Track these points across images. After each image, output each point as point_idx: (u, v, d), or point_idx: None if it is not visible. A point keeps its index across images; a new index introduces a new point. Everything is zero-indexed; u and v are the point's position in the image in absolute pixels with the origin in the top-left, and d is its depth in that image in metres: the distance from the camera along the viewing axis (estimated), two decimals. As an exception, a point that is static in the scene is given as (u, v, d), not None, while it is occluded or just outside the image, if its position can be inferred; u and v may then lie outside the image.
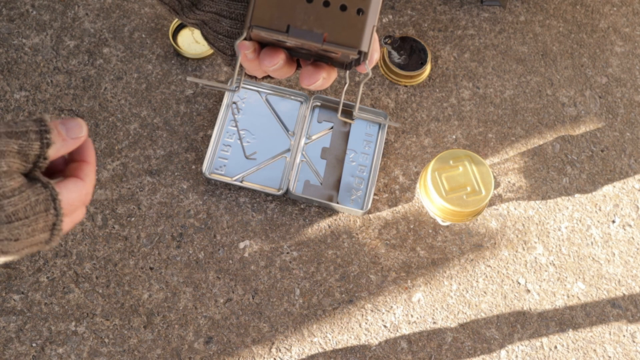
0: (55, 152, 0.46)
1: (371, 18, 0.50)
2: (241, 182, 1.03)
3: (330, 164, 1.06)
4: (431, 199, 0.95)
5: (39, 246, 0.46)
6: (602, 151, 1.12)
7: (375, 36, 0.51)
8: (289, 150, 1.06)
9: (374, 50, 0.52)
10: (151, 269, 0.98)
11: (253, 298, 0.97)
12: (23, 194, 0.44)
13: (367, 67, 0.53)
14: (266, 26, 0.49)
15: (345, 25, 0.50)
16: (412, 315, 0.99)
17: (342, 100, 0.58)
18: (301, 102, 1.09)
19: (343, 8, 0.49)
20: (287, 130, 1.07)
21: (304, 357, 0.95)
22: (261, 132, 1.07)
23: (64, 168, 0.49)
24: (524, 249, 1.04)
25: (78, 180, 0.47)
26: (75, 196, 0.47)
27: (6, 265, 0.96)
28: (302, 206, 1.03)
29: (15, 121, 0.45)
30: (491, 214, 1.06)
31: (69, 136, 0.47)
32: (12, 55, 1.09)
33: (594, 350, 0.99)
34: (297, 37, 0.49)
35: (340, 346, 0.96)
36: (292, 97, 1.09)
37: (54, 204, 0.45)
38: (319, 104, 1.09)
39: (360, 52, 0.50)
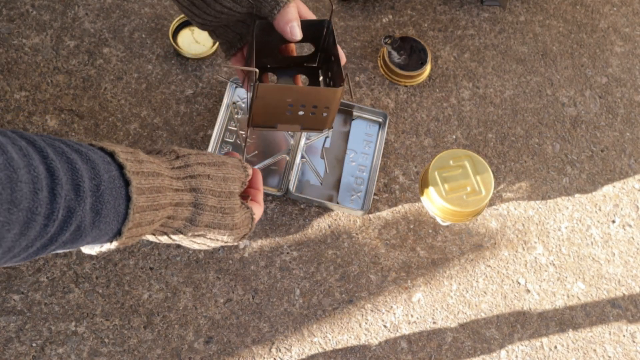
0: (248, 180, 0.72)
1: (333, 113, 0.77)
2: (241, 182, 1.03)
3: (330, 164, 1.06)
4: (431, 199, 0.95)
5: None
6: (602, 151, 1.12)
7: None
8: (289, 150, 1.06)
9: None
10: (151, 269, 0.98)
11: (253, 298, 0.97)
12: (241, 210, 0.68)
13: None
14: (261, 125, 0.79)
15: (315, 120, 0.78)
16: (412, 315, 0.99)
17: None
18: (301, 102, 1.09)
19: (313, 113, 0.77)
20: (287, 130, 1.07)
21: (304, 357, 0.95)
22: (261, 132, 1.07)
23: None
24: (524, 249, 1.04)
25: (258, 206, 0.74)
26: (256, 216, 0.72)
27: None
28: (302, 206, 1.03)
29: (232, 158, 0.69)
30: (491, 214, 1.06)
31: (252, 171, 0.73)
32: (12, 55, 1.09)
33: (594, 350, 0.99)
34: (282, 130, 0.80)
35: (340, 346, 0.96)
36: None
37: (251, 220, 0.70)
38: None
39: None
